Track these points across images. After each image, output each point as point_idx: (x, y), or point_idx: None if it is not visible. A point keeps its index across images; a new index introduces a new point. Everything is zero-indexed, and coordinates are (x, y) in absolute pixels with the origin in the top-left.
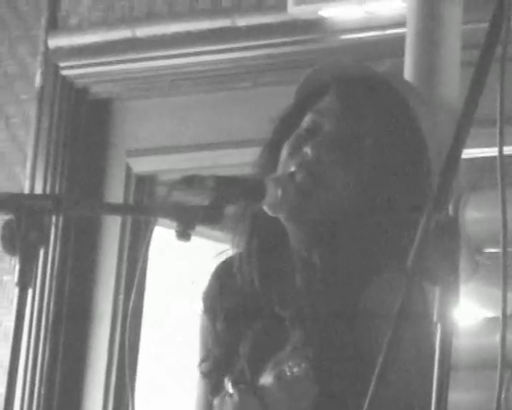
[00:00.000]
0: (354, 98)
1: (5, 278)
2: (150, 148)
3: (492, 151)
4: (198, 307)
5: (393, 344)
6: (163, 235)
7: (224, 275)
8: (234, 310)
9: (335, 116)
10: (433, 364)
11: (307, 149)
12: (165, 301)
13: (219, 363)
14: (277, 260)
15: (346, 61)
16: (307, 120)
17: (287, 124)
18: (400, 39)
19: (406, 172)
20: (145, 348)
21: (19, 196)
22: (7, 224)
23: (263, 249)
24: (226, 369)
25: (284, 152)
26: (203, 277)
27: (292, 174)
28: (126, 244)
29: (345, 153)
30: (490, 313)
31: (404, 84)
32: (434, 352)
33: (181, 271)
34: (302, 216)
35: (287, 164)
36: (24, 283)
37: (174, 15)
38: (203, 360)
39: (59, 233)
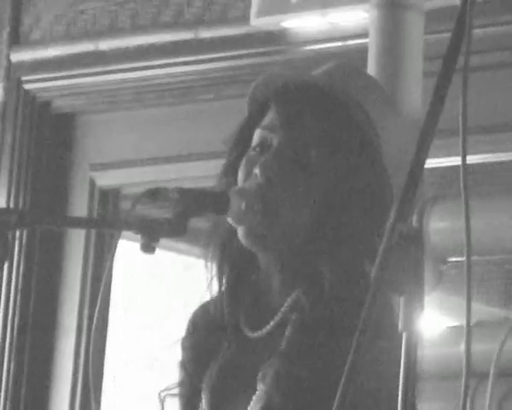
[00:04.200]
0: (294, 110)
1: None
2: (114, 161)
3: (455, 161)
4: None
5: (357, 358)
6: (128, 248)
7: (198, 318)
8: (201, 342)
9: (282, 130)
10: (399, 375)
11: (256, 171)
12: (166, 301)
13: (186, 394)
14: (247, 282)
15: (284, 73)
16: (256, 137)
17: (240, 143)
18: (363, 50)
19: (357, 175)
20: (145, 348)
21: None
22: None
23: (232, 274)
24: (193, 401)
25: (240, 176)
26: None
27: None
28: (91, 258)
29: (292, 168)
30: (453, 323)
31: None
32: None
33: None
34: (261, 243)
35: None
36: None
37: (137, 28)
38: (168, 388)
39: (23, 247)
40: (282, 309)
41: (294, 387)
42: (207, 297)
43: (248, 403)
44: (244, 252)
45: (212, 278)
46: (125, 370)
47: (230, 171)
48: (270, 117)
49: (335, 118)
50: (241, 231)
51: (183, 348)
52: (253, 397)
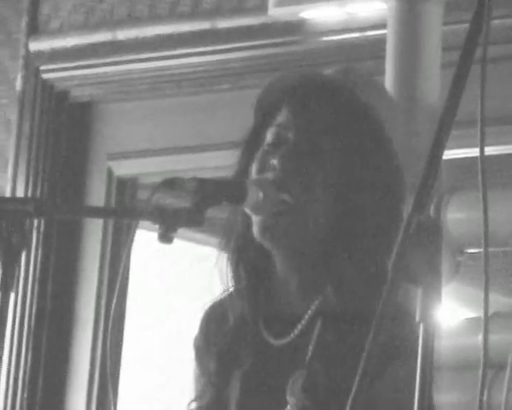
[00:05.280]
0: (307, 106)
1: None
2: (131, 151)
3: (473, 152)
4: (190, 353)
5: (375, 347)
6: (145, 238)
7: (213, 317)
8: (224, 350)
9: (296, 127)
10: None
11: (274, 161)
12: (166, 301)
13: (211, 406)
14: (265, 286)
15: (294, 73)
16: (270, 134)
17: (251, 146)
18: (381, 41)
19: (369, 166)
20: (145, 349)
21: (0, 200)
22: None
23: (250, 278)
24: None
25: (253, 170)
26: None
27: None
28: (108, 247)
29: (308, 162)
30: (471, 314)
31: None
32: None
33: (180, 270)
34: (276, 239)
35: None
36: (6, 286)
37: (155, 18)
38: (193, 400)
39: (41, 237)
40: (307, 316)
41: (326, 395)
42: (218, 297)
43: None
44: (260, 255)
45: (227, 282)
46: (125, 369)
47: (242, 173)
48: (283, 116)
49: (347, 109)
50: (256, 227)
51: (202, 349)
52: None
